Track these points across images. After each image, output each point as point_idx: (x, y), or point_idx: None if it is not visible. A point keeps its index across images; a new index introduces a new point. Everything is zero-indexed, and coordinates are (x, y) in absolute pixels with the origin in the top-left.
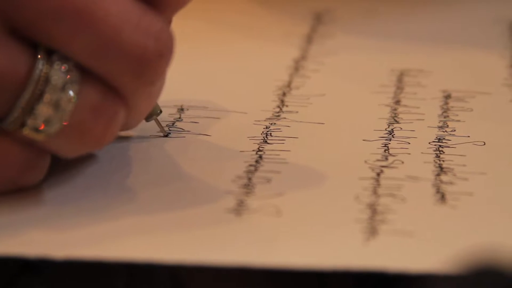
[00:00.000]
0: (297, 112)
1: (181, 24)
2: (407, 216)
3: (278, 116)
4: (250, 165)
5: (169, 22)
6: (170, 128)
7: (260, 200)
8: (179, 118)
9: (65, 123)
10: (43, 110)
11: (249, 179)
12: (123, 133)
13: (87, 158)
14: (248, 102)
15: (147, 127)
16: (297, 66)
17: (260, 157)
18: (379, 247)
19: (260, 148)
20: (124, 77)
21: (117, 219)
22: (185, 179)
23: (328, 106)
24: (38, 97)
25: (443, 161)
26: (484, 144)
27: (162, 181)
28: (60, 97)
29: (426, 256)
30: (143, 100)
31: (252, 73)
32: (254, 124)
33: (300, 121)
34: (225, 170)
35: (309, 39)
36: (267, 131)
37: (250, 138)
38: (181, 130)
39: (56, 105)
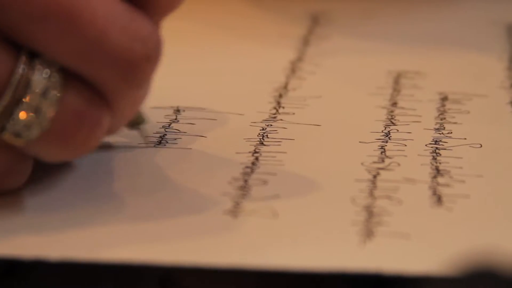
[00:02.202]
0: (293, 113)
1: (177, 25)
2: (403, 218)
3: (275, 117)
4: (247, 167)
5: (158, 26)
6: (166, 130)
7: (256, 202)
8: (175, 119)
9: (45, 129)
10: (23, 115)
11: (245, 181)
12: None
13: (79, 165)
14: (244, 104)
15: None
16: (293, 68)
17: (257, 159)
18: (375, 249)
19: (257, 150)
20: (110, 81)
21: (108, 221)
22: (181, 181)
23: (324, 108)
24: (17, 102)
25: (439, 163)
26: (481, 146)
27: (157, 183)
28: (41, 102)
29: (422, 258)
30: (127, 105)
31: (248, 75)
32: (251, 125)
33: (297, 123)
34: (221, 172)
35: (305, 41)
36: (264, 133)
37: (247, 139)
38: (177, 131)
39: (37, 110)
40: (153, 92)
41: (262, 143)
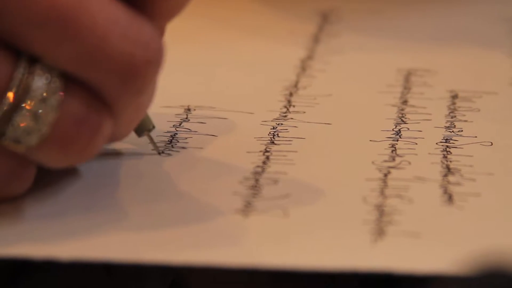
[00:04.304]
0: (304, 112)
1: (187, 24)
2: (414, 217)
3: (285, 116)
4: (257, 166)
5: (162, 30)
6: (177, 129)
7: (267, 201)
8: (186, 118)
9: (45, 135)
10: (22, 121)
11: (256, 180)
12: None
13: (87, 171)
14: (255, 102)
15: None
16: (303, 66)
17: (267, 158)
18: (387, 248)
19: (267, 149)
20: (110, 86)
21: (119, 219)
22: (192, 181)
23: (335, 106)
24: (17, 108)
25: (450, 161)
26: (492, 144)
27: (167, 184)
28: (40, 108)
29: (433, 257)
30: (131, 111)
31: (258, 73)
32: (261, 124)
33: (307, 122)
34: (232, 171)
35: (315, 39)
36: (274, 132)
37: (257, 138)
38: (188, 130)
39: (36, 116)
40: (164, 92)
41: (273, 142)
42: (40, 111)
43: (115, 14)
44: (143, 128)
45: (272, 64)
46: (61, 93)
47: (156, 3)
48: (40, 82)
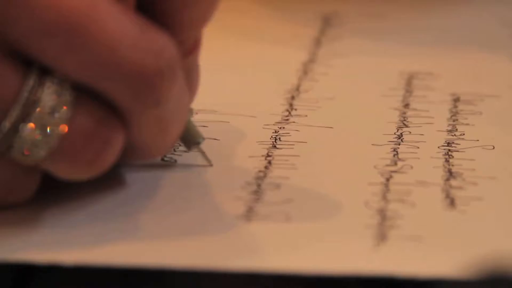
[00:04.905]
0: (306, 116)
1: None
2: (416, 221)
3: (287, 120)
4: (259, 171)
5: (192, 40)
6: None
7: (270, 206)
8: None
9: (53, 148)
10: (30, 134)
11: (259, 185)
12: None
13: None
14: (257, 106)
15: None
16: (305, 69)
17: (269, 162)
18: (389, 252)
19: (269, 153)
20: (122, 97)
21: (123, 223)
22: (194, 185)
23: (337, 110)
24: (25, 119)
25: (452, 165)
26: (494, 148)
27: (168, 189)
28: (49, 121)
29: (435, 261)
30: (151, 123)
31: (260, 76)
32: (263, 128)
33: (309, 125)
34: (234, 176)
35: (317, 42)
36: (276, 136)
37: (259, 143)
38: (34, 86)
39: (43, 130)
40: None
41: (275, 146)
42: (49, 123)
43: (126, 23)
44: (191, 141)
45: (274, 67)
46: (71, 106)
47: (179, 14)
48: (49, 95)
